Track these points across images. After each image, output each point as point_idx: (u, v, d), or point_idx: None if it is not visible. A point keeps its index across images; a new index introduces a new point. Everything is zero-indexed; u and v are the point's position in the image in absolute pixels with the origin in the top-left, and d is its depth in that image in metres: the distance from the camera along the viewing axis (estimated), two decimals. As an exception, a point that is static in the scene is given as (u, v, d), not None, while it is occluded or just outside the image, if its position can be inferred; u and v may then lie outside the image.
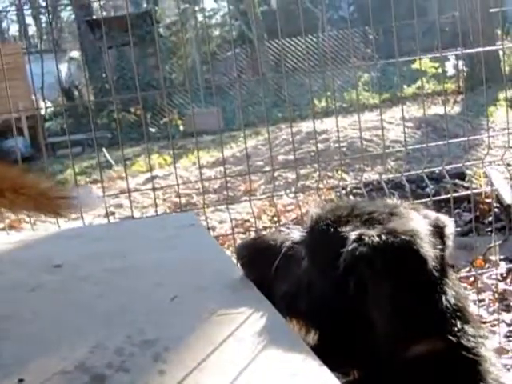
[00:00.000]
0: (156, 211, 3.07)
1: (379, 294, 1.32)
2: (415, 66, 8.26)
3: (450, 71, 13.87)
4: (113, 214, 6.82)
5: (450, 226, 1.53)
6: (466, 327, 1.40)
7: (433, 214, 1.54)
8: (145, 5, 23.79)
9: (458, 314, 1.41)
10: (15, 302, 1.61)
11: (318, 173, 6.64)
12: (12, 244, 2.26)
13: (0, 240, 2.40)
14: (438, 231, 1.48)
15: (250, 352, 1.21)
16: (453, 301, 1.41)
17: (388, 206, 1.52)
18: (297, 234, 1.57)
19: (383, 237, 1.34)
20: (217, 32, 27.08)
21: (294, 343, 1.28)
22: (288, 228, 1.63)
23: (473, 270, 3.96)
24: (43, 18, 29.07)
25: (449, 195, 3.39)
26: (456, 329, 1.38)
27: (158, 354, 1.20)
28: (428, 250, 1.35)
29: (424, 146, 3.42)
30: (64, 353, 1.25)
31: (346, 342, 1.42)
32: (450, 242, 1.52)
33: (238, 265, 1.72)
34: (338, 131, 3.51)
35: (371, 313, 1.34)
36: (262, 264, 1.59)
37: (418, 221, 1.45)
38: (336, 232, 1.43)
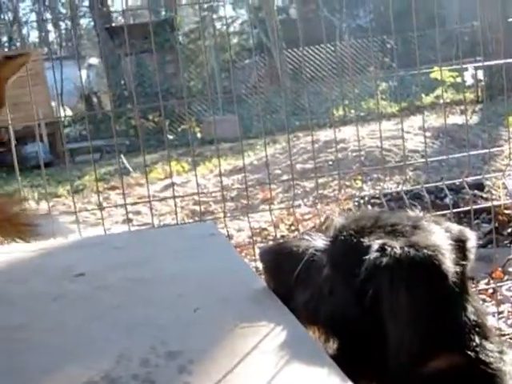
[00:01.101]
0: (176, 219, 3.09)
1: (397, 306, 1.32)
2: (433, 75, 8.24)
3: (469, 81, 13.80)
4: (130, 220, 6.84)
5: (472, 240, 1.53)
6: (485, 343, 1.40)
7: (455, 228, 1.54)
8: (163, 12, 23.92)
9: (477, 329, 1.40)
10: (38, 310, 1.62)
11: (336, 182, 6.63)
12: (33, 252, 2.27)
13: (21, 248, 2.42)
14: (460, 245, 1.48)
15: (274, 364, 1.21)
16: (472, 316, 1.41)
17: (411, 219, 1.52)
18: (319, 241, 1.58)
19: (406, 249, 1.34)
20: (235, 40, 27.16)
21: (318, 356, 1.28)
22: (310, 236, 1.63)
23: (492, 281, 3.93)
24: (63, 25, 29.33)
25: (469, 207, 3.38)
26: (475, 344, 1.38)
27: (183, 366, 1.21)
28: (449, 265, 1.35)
29: (445, 157, 3.41)
30: (89, 363, 1.26)
31: (363, 352, 1.42)
32: (471, 256, 1.52)
33: (261, 269, 1.73)
34: (358, 140, 3.51)
35: (387, 324, 1.34)
36: (284, 270, 1.60)
37: (440, 235, 1.46)
38: (359, 241, 1.44)
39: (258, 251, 1.85)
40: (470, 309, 1.42)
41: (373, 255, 1.36)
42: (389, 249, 1.35)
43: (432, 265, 1.33)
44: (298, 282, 1.56)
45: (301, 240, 1.65)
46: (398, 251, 1.34)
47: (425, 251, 1.34)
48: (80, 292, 1.74)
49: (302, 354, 1.27)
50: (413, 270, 1.33)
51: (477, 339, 1.39)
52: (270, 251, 1.73)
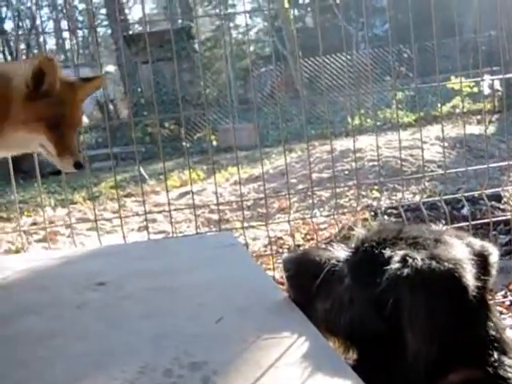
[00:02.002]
0: (196, 229, 3.11)
1: (416, 317, 1.33)
2: (450, 84, 8.21)
3: (486, 90, 13.71)
4: (146, 228, 6.86)
5: (495, 255, 1.53)
6: (504, 358, 1.40)
7: (477, 243, 1.54)
8: (180, 20, 24.02)
9: (496, 344, 1.41)
10: (62, 319, 1.64)
11: (352, 191, 6.63)
12: (55, 260, 2.30)
13: (44, 255, 2.45)
14: (482, 260, 1.48)
15: (297, 376, 1.22)
16: (491, 331, 1.42)
17: (433, 233, 1.53)
18: (341, 252, 1.59)
19: (427, 261, 1.35)
20: (251, 48, 27.25)
21: (340, 368, 1.29)
22: (332, 246, 1.64)
23: (509, 293, 3.91)
24: (80, 33, 29.52)
25: (487, 219, 3.37)
26: (493, 359, 1.38)
27: (207, 377, 1.22)
28: (470, 279, 1.35)
29: (464, 169, 3.41)
30: (114, 372, 1.27)
31: (383, 363, 1.42)
32: (493, 271, 1.52)
33: (277, 278, 1.74)
34: (377, 149, 3.51)
35: (405, 334, 1.34)
36: (306, 279, 1.61)
37: (462, 249, 1.46)
38: (380, 253, 1.45)
39: (282, 260, 1.86)
40: (489, 323, 1.43)
41: (394, 266, 1.37)
42: (410, 260, 1.37)
43: (452, 277, 1.34)
44: (319, 292, 1.57)
45: (323, 250, 1.67)
46: (420, 263, 1.35)
47: (446, 264, 1.35)
48: (103, 301, 1.76)
49: (324, 365, 1.28)
50: (433, 281, 1.34)
51: (495, 354, 1.39)
52: (293, 260, 1.74)
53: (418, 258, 1.36)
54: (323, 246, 1.67)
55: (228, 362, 1.28)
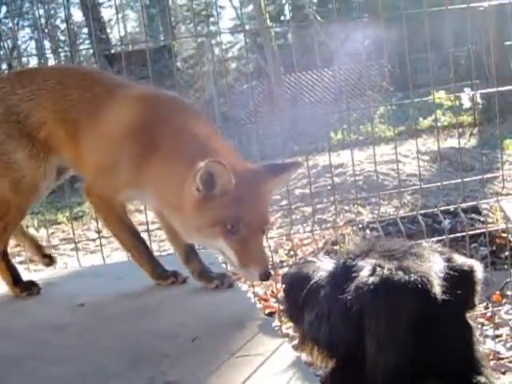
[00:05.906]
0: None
1: (376, 325, 1.34)
2: (428, 98, 8.29)
3: (466, 103, 13.85)
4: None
5: (479, 272, 1.49)
6: (471, 373, 1.40)
7: (459, 259, 1.52)
8: (162, 38, 24.09)
9: (465, 359, 1.42)
10: (43, 341, 1.66)
11: (334, 207, 6.65)
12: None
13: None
14: (463, 276, 1.47)
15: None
16: (461, 346, 1.42)
17: (410, 246, 1.54)
18: (328, 265, 1.61)
19: (393, 271, 1.37)
20: (233, 65, 27.35)
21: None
22: (321, 259, 1.66)
23: (490, 305, 3.93)
24: (62, 52, 29.49)
25: (464, 233, 3.40)
26: (458, 373, 1.39)
27: (180, 396, 1.24)
28: (436, 292, 1.35)
29: (439, 184, 3.45)
30: (91, 394, 1.29)
31: (354, 372, 1.44)
32: (477, 288, 1.50)
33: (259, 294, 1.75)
34: (353, 165, 3.56)
35: (366, 342, 1.36)
36: (297, 293, 1.63)
37: (435, 263, 1.47)
38: (356, 264, 1.47)
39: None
40: (459, 338, 1.43)
41: (362, 273, 1.39)
42: (378, 269, 1.38)
43: (416, 288, 1.34)
44: (306, 304, 1.59)
45: (315, 263, 1.68)
46: (386, 272, 1.37)
47: (412, 275, 1.36)
48: (83, 323, 1.78)
49: (295, 382, 1.30)
50: (396, 291, 1.34)
51: (462, 369, 1.40)
52: (288, 275, 1.76)
53: (386, 268, 1.38)
54: (316, 259, 1.66)
55: (200, 380, 1.31)
